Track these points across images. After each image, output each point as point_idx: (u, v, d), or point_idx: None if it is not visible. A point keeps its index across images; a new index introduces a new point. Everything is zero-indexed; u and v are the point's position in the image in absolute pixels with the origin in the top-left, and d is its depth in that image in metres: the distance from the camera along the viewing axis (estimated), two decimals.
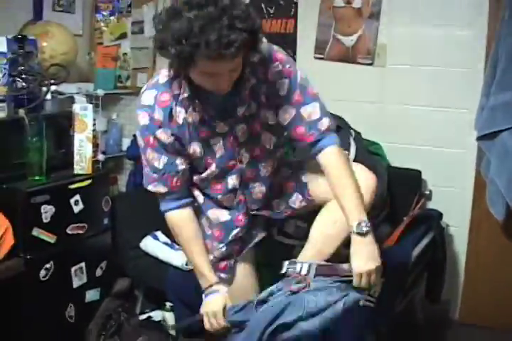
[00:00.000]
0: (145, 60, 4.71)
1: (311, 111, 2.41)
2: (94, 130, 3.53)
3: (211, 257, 2.57)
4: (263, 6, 4.24)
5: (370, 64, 3.92)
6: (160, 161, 2.37)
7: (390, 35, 3.87)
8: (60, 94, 3.98)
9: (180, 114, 2.29)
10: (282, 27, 4.18)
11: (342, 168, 2.43)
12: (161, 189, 2.42)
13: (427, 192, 3.86)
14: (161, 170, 2.38)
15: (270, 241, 3.40)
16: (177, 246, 3.68)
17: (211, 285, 2.48)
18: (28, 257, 3.22)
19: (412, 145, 3.90)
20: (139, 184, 4.57)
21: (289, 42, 4.16)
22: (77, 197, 3.38)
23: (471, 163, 3.74)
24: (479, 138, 3.51)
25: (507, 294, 3.75)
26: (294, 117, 2.39)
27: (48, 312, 3.28)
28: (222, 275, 2.61)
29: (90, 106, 3.52)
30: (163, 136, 2.32)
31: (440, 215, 3.69)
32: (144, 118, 2.31)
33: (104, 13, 4.91)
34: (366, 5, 3.89)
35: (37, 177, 3.22)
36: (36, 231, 3.15)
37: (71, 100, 3.74)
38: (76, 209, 3.37)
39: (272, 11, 4.21)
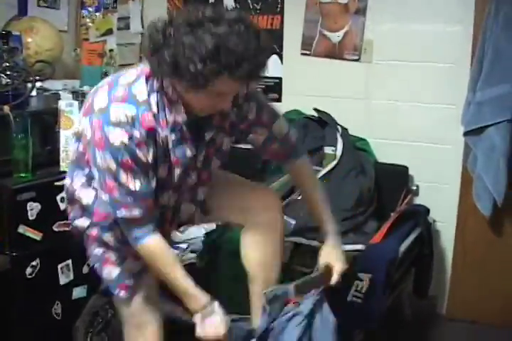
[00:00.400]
0: (131, 57, 4.69)
1: (279, 127, 2.39)
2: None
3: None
4: (249, 1, 4.23)
5: (357, 60, 3.92)
6: (136, 183, 2.10)
7: (376, 30, 3.87)
8: (46, 90, 3.96)
9: (167, 137, 2.12)
10: (269, 23, 4.17)
11: (313, 177, 2.63)
12: (137, 214, 2.14)
13: (414, 188, 3.86)
14: (137, 192, 2.11)
15: None
16: None
17: (205, 306, 2.26)
18: (14, 254, 3.20)
19: (399, 141, 3.90)
20: None
21: (275, 38, 4.15)
22: (63, 194, 3.36)
23: (457, 159, 3.74)
24: (466, 134, 3.52)
25: (494, 289, 3.77)
26: (267, 137, 2.38)
27: (35, 309, 3.26)
28: None
29: (76, 103, 3.49)
30: (144, 155, 2.08)
31: (427, 211, 3.69)
32: (120, 137, 2.01)
33: (90, 8, 4.89)
34: (352, 0, 3.89)
35: (23, 175, 3.18)
36: (22, 229, 3.12)
37: (57, 97, 3.70)
38: (62, 206, 3.33)
39: (258, 7, 4.20)
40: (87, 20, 4.91)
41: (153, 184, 2.17)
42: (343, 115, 3.89)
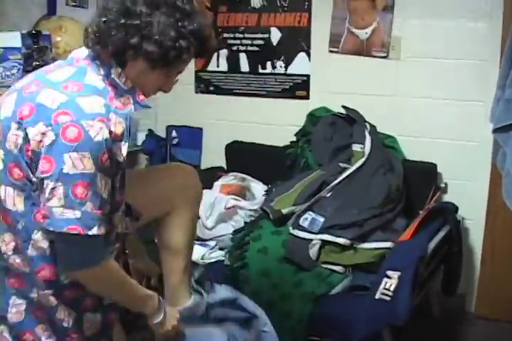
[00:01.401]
0: None
1: None
2: None
3: None
4: None
5: (385, 57, 3.90)
6: (107, 189, 1.86)
7: (404, 27, 3.85)
8: None
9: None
10: (296, 20, 4.16)
11: None
12: (103, 230, 1.84)
13: (443, 185, 3.84)
14: (106, 201, 1.86)
15: (286, 235, 3.42)
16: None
17: (160, 305, 2.19)
18: None
19: (427, 139, 3.88)
20: None
21: (303, 35, 4.15)
22: None
23: (486, 156, 3.70)
24: (495, 131, 3.47)
25: None
26: None
27: None
28: None
29: None
30: (122, 151, 1.91)
31: (456, 208, 3.67)
32: (100, 131, 1.79)
33: None
34: None
35: None
36: None
37: None
38: None
39: (285, 5, 4.20)
40: None
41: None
42: (371, 112, 3.88)
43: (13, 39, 3.61)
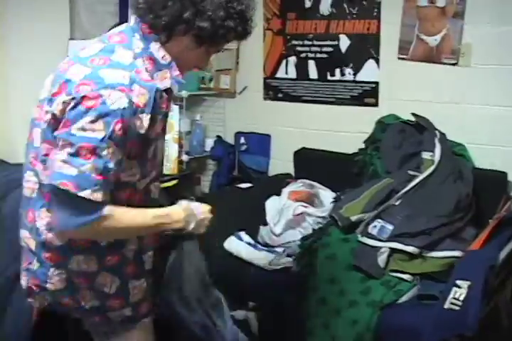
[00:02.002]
0: (228, 62, 4.74)
1: None
2: (179, 131, 3.57)
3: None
4: (346, 6, 4.23)
5: (455, 64, 3.87)
6: (115, 158, 1.90)
7: (474, 34, 3.80)
8: None
9: (161, 101, 2.04)
10: (365, 27, 4.16)
11: None
12: (99, 197, 1.86)
13: None
14: (110, 170, 1.89)
15: (354, 242, 3.42)
16: (261, 247, 3.72)
17: (186, 208, 2.18)
18: None
19: (497, 146, 3.83)
20: (223, 184, 4.67)
21: (372, 43, 4.15)
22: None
23: None
24: None
25: None
26: None
27: None
28: None
29: (176, 107, 3.56)
30: (143, 122, 1.94)
31: None
32: (117, 100, 1.85)
33: None
34: (450, 4, 3.83)
35: None
36: None
37: None
38: None
39: (354, 12, 4.20)
40: None
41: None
42: (441, 120, 3.84)
43: None
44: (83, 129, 1.82)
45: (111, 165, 1.87)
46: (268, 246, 3.76)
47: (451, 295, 2.91)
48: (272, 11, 4.50)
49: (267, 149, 4.66)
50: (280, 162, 4.59)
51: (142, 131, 1.95)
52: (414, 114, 3.83)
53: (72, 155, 1.82)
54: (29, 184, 2.11)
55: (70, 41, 3.79)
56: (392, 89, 4.14)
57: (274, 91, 4.57)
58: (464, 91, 3.87)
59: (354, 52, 4.24)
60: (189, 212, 2.17)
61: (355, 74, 4.26)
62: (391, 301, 3.15)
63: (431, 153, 3.62)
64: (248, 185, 4.37)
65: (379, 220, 3.42)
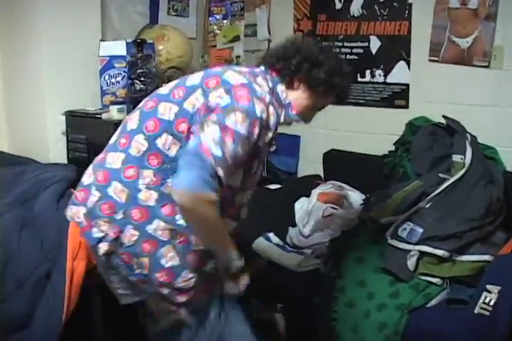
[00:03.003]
0: None
1: None
2: None
3: None
4: (376, 7, 4.21)
5: (487, 66, 3.83)
6: (243, 152, 2.31)
7: (507, 36, 3.76)
8: None
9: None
10: (396, 29, 4.14)
11: None
12: (222, 174, 2.25)
13: None
14: (239, 159, 2.31)
15: (384, 245, 3.41)
16: (289, 248, 3.72)
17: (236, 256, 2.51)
18: None
19: None
20: None
21: (402, 44, 4.12)
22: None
23: None
24: None
25: None
26: None
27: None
28: None
29: None
30: (266, 136, 2.40)
31: None
32: (261, 109, 2.31)
33: (217, 16, 5.02)
34: (482, 5, 3.80)
35: None
36: None
37: None
38: None
39: (385, 13, 4.18)
40: (215, 27, 5.04)
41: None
42: (472, 122, 3.81)
43: (119, 47, 3.73)
44: (235, 118, 2.24)
45: (240, 155, 2.27)
46: (297, 248, 3.76)
47: (481, 300, 2.89)
48: (302, 12, 4.50)
49: (296, 150, 4.66)
50: (309, 163, 4.59)
51: (260, 144, 2.38)
52: (444, 117, 3.80)
53: (216, 135, 2.22)
54: (136, 144, 2.39)
55: (101, 42, 3.81)
56: (422, 91, 4.11)
57: None
58: (495, 94, 3.84)
59: (385, 53, 4.22)
60: (234, 262, 2.48)
61: (385, 76, 4.25)
62: (420, 305, 3.13)
63: (461, 156, 3.58)
64: (277, 186, 4.37)
65: (409, 223, 3.40)
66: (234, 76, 2.37)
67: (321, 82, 2.48)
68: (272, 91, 2.46)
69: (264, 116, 2.30)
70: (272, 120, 2.37)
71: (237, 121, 2.23)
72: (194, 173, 2.18)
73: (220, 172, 2.20)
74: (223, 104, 2.27)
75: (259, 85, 2.38)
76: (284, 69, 2.49)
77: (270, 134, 2.40)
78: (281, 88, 2.50)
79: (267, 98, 2.36)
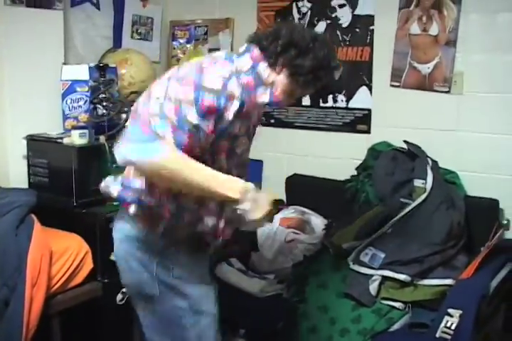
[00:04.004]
0: None
1: None
2: None
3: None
4: (339, 33, 4.25)
5: (447, 91, 3.88)
6: (194, 120, 2.20)
7: (467, 62, 3.82)
8: None
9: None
10: (358, 55, 4.18)
11: None
12: (170, 141, 2.17)
13: (505, 222, 3.77)
14: (189, 129, 2.19)
15: (346, 270, 3.41)
16: (252, 273, 3.71)
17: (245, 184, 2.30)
18: (106, 281, 3.30)
19: (489, 174, 3.82)
20: None
21: (364, 70, 4.17)
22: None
23: None
24: None
25: None
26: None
27: (124, 335, 3.33)
28: None
29: None
30: (226, 109, 2.26)
31: None
32: (216, 83, 2.22)
33: (181, 40, 5.02)
34: (443, 32, 3.86)
35: (115, 203, 3.25)
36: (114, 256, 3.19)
37: None
38: None
39: (347, 39, 4.22)
40: (178, 51, 5.04)
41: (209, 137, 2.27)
42: (433, 147, 3.85)
43: (81, 72, 3.71)
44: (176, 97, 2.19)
45: (188, 126, 2.17)
46: (259, 273, 3.75)
47: (442, 324, 2.91)
48: None
49: (258, 175, 4.65)
50: (272, 188, 4.58)
51: (227, 117, 2.26)
52: (406, 142, 3.84)
53: (161, 109, 2.19)
54: None
55: (64, 66, 3.79)
56: (384, 116, 4.15)
57: (266, 117, 4.58)
58: (456, 119, 3.89)
59: (347, 79, 4.25)
60: (248, 190, 2.25)
61: (347, 101, 4.27)
62: (382, 329, 3.15)
63: (423, 181, 3.62)
64: None
65: (371, 248, 3.42)
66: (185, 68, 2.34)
67: (304, 72, 2.36)
68: (252, 71, 2.36)
69: (218, 86, 2.20)
70: (236, 92, 2.27)
71: (177, 91, 2.20)
72: (129, 146, 2.19)
73: (166, 138, 2.15)
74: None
75: (240, 65, 2.35)
76: (269, 47, 2.37)
77: (236, 104, 2.26)
78: (262, 67, 2.38)
79: (227, 75, 2.26)
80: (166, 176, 2.19)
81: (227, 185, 2.24)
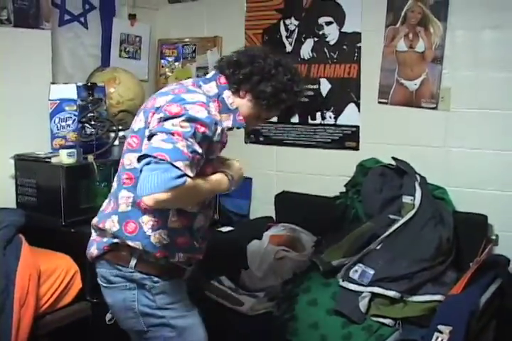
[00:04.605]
0: None
1: None
2: None
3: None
4: (326, 50, 4.28)
5: (435, 108, 3.90)
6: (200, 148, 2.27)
7: (453, 78, 3.85)
8: None
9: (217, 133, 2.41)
10: (346, 72, 4.21)
11: None
12: (188, 171, 2.17)
13: (494, 237, 3.78)
14: (198, 153, 2.24)
15: (335, 287, 3.41)
16: (241, 291, 3.70)
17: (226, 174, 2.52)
18: (95, 301, 3.28)
19: (477, 190, 3.84)
20: None
21: (352, 87, 4.19)
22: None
23: None
24: None
25: None
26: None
27: None
28: None
29: None
30: (215, 131, 2.35)
31: (508, 261, 3.60)
32: (201, 111, 2.28)
33: (169, 58, 5.03)
34: (429, 49, 3.89)
35: None
36: None
37: None
38: None
39: (335, 56, 4.25)
40: (167, 69, 5.05)
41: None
42: (421, 163, 3.87)
43: (69, 91, 3.71)
44: (173, 125, 2.22)
45: (198, 149, 2.23)
46: (249, 291, 3.74)
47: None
48: None
49: (248, 192, 4.66)
50: (261, 205, 4.59)
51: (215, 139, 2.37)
52: (394, 158, 3.85)
53: (167, 137, 2.18)
54: (123, 200, 2.46)
55: (52, 85, 3.79)
56: (372, 133, 4.17)
57: (255, 134, 4.59)
58: (443, 135, 3.91)
59: (335, 96, 4.28)
60: (229, 174, 2.52)
61: (335, 118, 4.29)
62: None
63: (411, 197, 3.63)
64: (229, 228, 4.35)
65: (360, 265, 3.42)
66: (161, 100, 2.37)
67: (267, 96, 2.48)
68: (218, 97, 2.50)
69: (202, 116, 2.27)
70: (215, 113, 2.41)
71: (176, 125, 2.22)
72: (155, 178, 2.14)
73: (188, 169, 2.16)
74: (159, 117, 2.30)
75: (196, 92, 2.42)
76: (232, 76, 2.50)
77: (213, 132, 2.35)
78: (227, 94, 2.52)
79: (204, 100, 2.35)
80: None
81: (220, 183, 2.48)
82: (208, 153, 2.36)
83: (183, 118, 2.23)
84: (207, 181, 2.39)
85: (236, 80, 2.50)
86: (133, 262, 2.46)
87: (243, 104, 2.53)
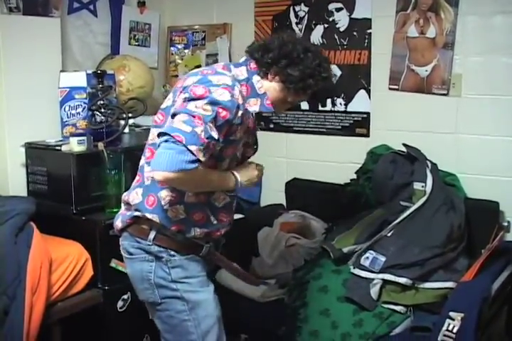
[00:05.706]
0: None
1: None
2: None
3: None
4: (336, 37, 4.26)
5: (446, 94, 3.88)
6: (216, 134, 2.35)
7: (465, 64, 3.83)
8: (138, 126, 4.07)
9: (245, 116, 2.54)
10: (356, 58, 4.19)
11: None
12: (201, 156, 2.27)
13: (506, 224, 3.76)
14: (213, 139, 2.33)
15: (346, 274, 3.40)
16: None
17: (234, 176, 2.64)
18: (107, 288, 3.30)
19: (488, 176, 3.82)
20: None
21: (363, 73, 4.17)
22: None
23: None
24: None
25: None
26: None
27: None
28: None
29: None
30: (235, 114, 2.42)
31: None
32: (224, 94, 2.37)
33: (179, 46, 5.02)
34: (440, 35, 3.86)
35: (115, 210, 3.24)
36: (114, 263, 3.18)
37: (148, 133, 3.80)
38: None
39: (345, 42, 4.23)
40: (176, 57, 5.04)
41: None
42: (432, 150, 3.85)
43: (79, 78, 3.70)
44: (196, 107, 2.31)
45: (215, 135, 2.32)
46: (260, 278, 3.74)
47: (444, 328, 2.90)
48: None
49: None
50: (272, 192, 4.58)
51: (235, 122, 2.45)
52: (405, 145, 3.83)
53: (188, 118, 2.27)
54: (147, 174, 2.58)
55: (62, 73, 3.78)
56: (383, 119, 4.15)
57: (265, 121, 4.58)
58: (454, 122, 3.88)
59: (345, 82, 4.26)
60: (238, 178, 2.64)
61: (346, 105, 4.28)
62: (384, 333, 3.15)
63: (422, 184, 3.61)
64: (240, 216, 4.34)
65: (371, 251, 3.41)
66: (189, 80, 2.47)
67: (294, 80, 2.56)
68: (247, 81, 2.58)
69: (224, 99, 2.36)
70: (240, 96, 2.47)
71: (199, 107, 2.30)
72: (169, 157, 2.23)
73: (201, 154, 2.26)
74: (184, 97, 2.38)
75: (224, 74, 2.48)
76: (261, 59, 2.58)
77: (240, 114, 2.45)
78: (256, 78, 2.60)
79: (229, 83, 2.43)
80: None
81: (225, 179, 2.60)
82: (229, 134, 2.46)
83: (206, 101, 2.31)
84: (215, 174, 2.55)
85: (265, 64, 2.57)
86: (151, 235, 2.56)
87: (271, 86, 2.60)
